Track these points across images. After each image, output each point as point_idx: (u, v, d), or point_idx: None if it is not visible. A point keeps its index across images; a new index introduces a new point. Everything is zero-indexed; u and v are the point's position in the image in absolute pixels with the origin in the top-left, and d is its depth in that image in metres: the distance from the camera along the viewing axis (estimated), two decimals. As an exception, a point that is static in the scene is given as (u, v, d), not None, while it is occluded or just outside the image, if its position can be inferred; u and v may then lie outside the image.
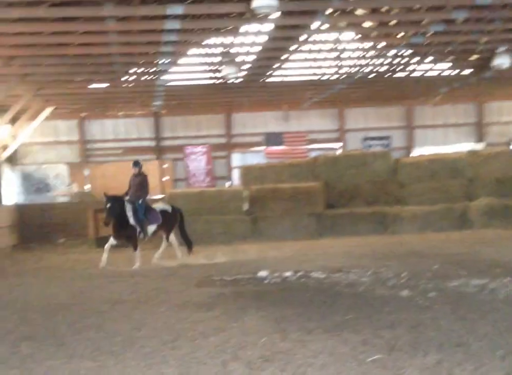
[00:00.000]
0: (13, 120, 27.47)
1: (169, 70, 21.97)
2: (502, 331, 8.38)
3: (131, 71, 22.01)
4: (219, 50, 20.34)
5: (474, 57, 22.05)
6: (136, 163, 17.51)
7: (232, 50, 20.32)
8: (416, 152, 29.39)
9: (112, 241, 16.93)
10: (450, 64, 23.30)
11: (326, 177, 23.69)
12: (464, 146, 28.27)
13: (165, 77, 22.61)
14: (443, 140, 30.19)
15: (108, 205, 16.27)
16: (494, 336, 8.13)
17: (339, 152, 29.54)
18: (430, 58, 22.31)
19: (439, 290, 11.17)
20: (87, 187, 28.79)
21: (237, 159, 31.19)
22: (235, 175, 30.37)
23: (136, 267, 16.31)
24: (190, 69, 22.63)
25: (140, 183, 17.15)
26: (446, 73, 24.62)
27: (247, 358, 7.51)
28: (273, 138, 30.22)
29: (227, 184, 30.04)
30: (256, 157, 30.81)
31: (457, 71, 24.24)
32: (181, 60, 21.24)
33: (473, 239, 18.79)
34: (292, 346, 7.92)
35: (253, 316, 9.61)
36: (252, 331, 8.68)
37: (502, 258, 14.30)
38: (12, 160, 28.64)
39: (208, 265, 16.23)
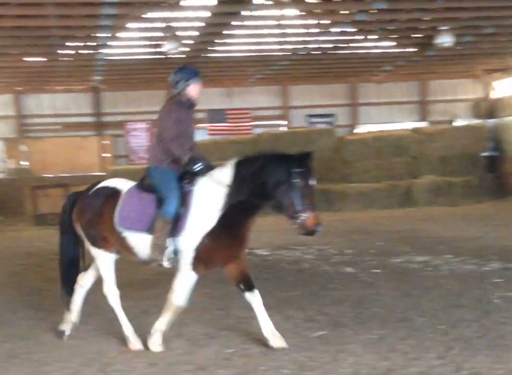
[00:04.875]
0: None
1: (109, 44, 21.51)
2: (444, 307, 8.43)
3: (69, 45, 21.47)
4: (160, 24, 19.98)
5: (417, 35, 22.11)
6: None
7: (174, 25, 19.97)
8: (360, 129, 29.48)
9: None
10: (394, 42, 23.35)
11: (272, 154, 23.54)
12: (408, 123, 28.48)
13: (104, 51, 22.13)
14: (387, 118, 30.29)
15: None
16: (436, 311, 8.19)
17: (283, 129, 29.47)
18: (374, 36, 22.30)
19: (383, 267, 11.20)
20: (24, 163, 28.12)
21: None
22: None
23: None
24: (131, 43, 22.18)
25: None
26: (389, 50, 24.67)
27: (191, 334, 7.44)
28: (216, 115, 29.92)
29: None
30: (199, 134, 30.54)
31: (401, 48, 24.30)
32: (121, 34, 20.79)
33: (417, 217, 18.95)
34: (235, 322, 7.87)
35: (197, 294, 9.45)
36: (196, 308, 8.56)
37: (446, 235, 14.42)
38: None
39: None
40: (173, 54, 21.56)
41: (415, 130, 24.45)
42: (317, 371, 6.22)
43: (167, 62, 24.17)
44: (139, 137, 29.67)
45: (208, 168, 7.19)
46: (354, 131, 29.23)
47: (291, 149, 24.21)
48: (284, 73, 28.05)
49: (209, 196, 7.00)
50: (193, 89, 7.64)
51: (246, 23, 20.18)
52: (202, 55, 23.83)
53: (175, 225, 6.99)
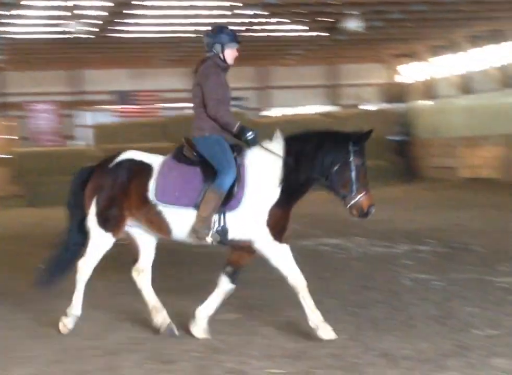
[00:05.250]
0: None
1: (10, 22, 20.81)
2: (355, 288, 8.53)
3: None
4: (64, 3, 19.45)
5: (327, 19, 22.28)
6: None
7: (78, 3, 19.47)
8: (272, 113, 29.57)
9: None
10: (304, 26, 23.46)
11: (180, 137, 23.32)
12: (319, 107, 28.76)
13: (5, 29, 21.37)
14: (298, 102, 30.50)
15: None
16: (347, 293, 8.27)
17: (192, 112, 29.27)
18: (285, 19, 22.36)
19: (295, 250, 11.13)
20: None
21: (88, 118, 30.24)
22: (86, 133, 29.44)
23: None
24: (34, 21, 21.52)
25: None
26: (300, 34, 24.79)
27: (100, 319, 7.42)
28: (124, 97, 29.49)
29: (76, 142, 29.07)
30: (108, 116, 29.98)
31: (311, 32, 24.45)
32: (23, 12, 20.11)
33: (326, 199, 18.95)
34: (142, 307, 7.72)
35: (107, 278, 9.32)
36: (106, 293, 8.46)
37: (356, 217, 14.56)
38: None
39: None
40: (78, 33, 21.05)
41: (326, 114, 24.70)
42: (229, 354, 6.17)
43: (72, 41, 23.58)
44: (46, 119, 28.92)
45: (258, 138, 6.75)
46: (266, 114, 29.31)
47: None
48: (194, 55, 27.78)
49: (267, 169, 6.63)
50: (230, 54, 7.00)
51: (154, 3, 19.92)
52: (108, 35, 23.36)
53: (227, 200, 6.54)
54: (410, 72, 30.05)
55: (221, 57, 6.95)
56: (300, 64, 30.12)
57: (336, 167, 6.50)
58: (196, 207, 6.56)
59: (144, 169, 6.85)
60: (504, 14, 22.21)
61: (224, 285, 6.83)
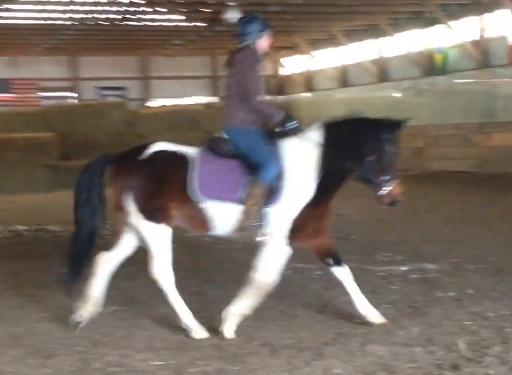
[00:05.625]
0: None
1: None
2: (237, 279, 8.53)
3: None
4: None
5: (206, 9, 22.33)
6: None
7: None
8: (154, 103, 29.37)
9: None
10: (183, 15, 23.42)
11: (61, 128, 22.92)
12: (201, 98, 28.78)
13: None
14: (180, 92, 30.41)
15: None
16: (229, 284, 8.30)
17: (73, 101, 28.72)
18: (163, 8, 22.24)
19: (178, 241, 11.01)
20: None
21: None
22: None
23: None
24: None
25: None
26: (179, 24, 24.73)
27: None
28: (0, 85, 28.60)
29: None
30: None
31: (190, 23, 24.44)
32: None
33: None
34: (26, 300, 7.56)
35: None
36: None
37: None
38: None
39: None
40: None
41: (208, 105, 24.78)
42: (111, 347, 6.12)
43: None
44: None
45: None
46: (147, 105, 29.13)
47: (83, 122, 23.69)
48: (72, 43, 27.27)
49: (305, 160, 6.35)
50: (265, 42, 6.75)
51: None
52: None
53: (270, 194, 6.27)
54: (290, 65, 30.50)
55: (256, 46, 6.68)
56: (181, 55, 30.04)
57: (371, 156, 6.28)
58: (240, 201, 6.32)
59: (180, 163, 6.47)
60: (381, 9, 22.91)
61: (342, 275, 6.70)
